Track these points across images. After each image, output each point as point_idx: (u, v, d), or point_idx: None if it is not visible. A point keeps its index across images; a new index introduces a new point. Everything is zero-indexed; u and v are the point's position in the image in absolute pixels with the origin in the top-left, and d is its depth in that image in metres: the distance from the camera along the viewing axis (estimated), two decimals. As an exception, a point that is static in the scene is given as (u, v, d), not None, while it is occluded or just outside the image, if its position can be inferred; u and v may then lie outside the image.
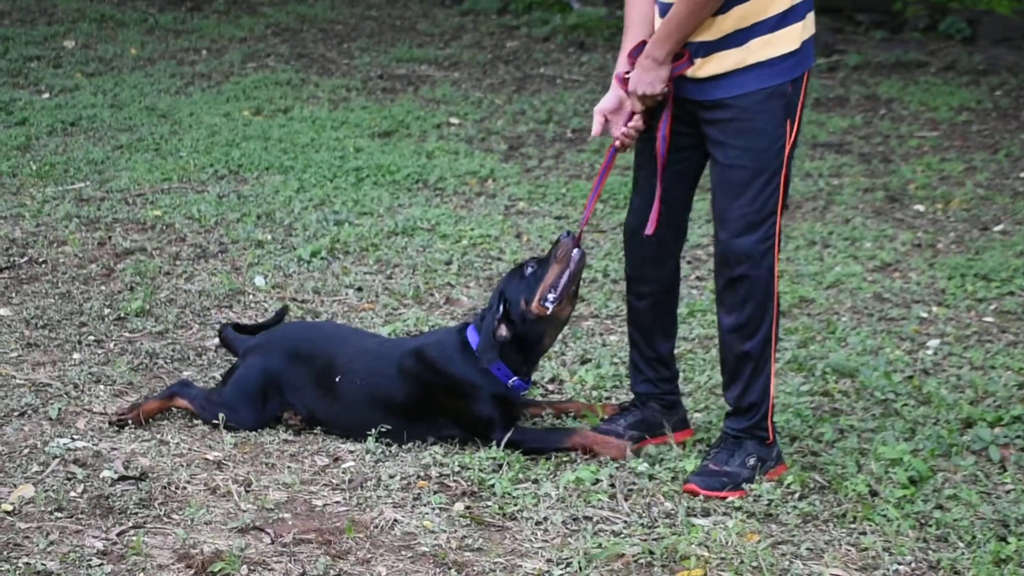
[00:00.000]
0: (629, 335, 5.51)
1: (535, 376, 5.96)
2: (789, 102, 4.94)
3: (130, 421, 5.40)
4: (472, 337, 5.39)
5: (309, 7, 15.74)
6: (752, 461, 5.13)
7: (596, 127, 5.24)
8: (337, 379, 5.46)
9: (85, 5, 14.91)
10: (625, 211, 8.38)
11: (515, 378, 5.33)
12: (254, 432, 5.43)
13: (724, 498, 4.99)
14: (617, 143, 5.21)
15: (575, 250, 5.30)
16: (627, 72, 5.07)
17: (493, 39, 14.48)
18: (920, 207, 8.94)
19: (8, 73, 11.81)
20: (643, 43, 5.03)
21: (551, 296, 5.27)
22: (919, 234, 8.33)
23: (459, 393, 5.35)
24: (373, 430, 5.33)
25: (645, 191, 5.24)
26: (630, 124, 5.14)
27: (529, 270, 5.35)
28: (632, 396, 5.61)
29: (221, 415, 5.40)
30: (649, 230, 5.18)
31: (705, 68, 4.96)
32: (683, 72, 4.99)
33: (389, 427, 5.35)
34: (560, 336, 6.34)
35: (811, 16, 5.01)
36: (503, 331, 5.30)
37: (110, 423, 5.41)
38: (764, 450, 5.19)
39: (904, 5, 15.40)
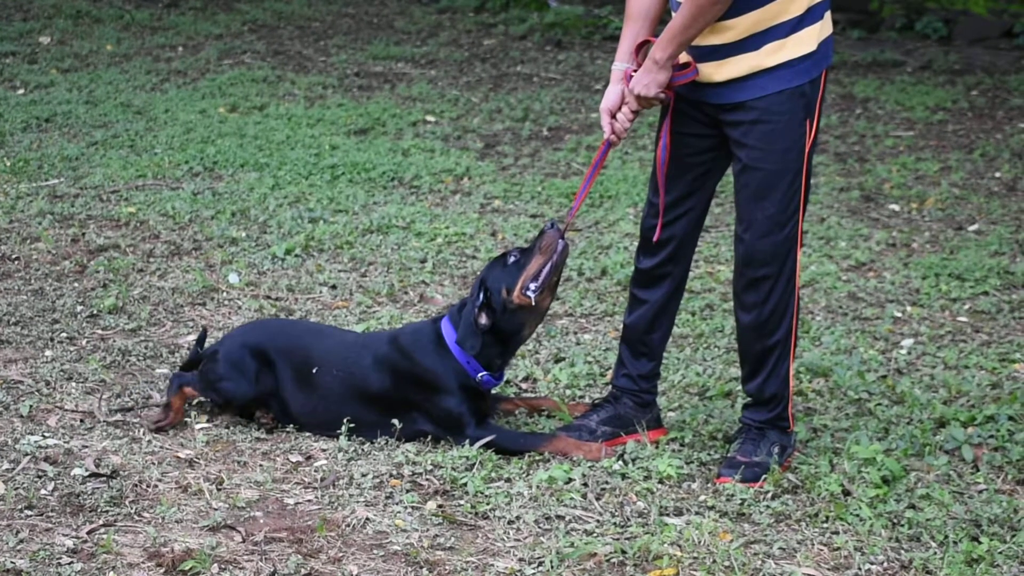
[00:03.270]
0: (624, 327, 5.50)
1: (508, 374, 5.95)
2: (808, 102, 4.98)
3: (169, 425, 5.37)
4: (446, 329, 5.39)
5: (286, 4, 15.69)
6: (776, 450, 5.20)
7: (606, 128, 5.22)
8: (314, 370, 5.46)
9: (61, 1, 14.85)
10: (602, 210, 8.45)
11: (484, 373, 5.33)
12: (227, 428, 5.41)
13: (761, 487, 5.05)
14: (613, 137, 5.21)
15: (559, 241, 5.30)
16: (634, 69, 5.07)
17: (470, 37, 14.46)
18: (895, 206, 8.95)
19: (-18, 69, 11.78)
20: (648, 42, 5.04)
21: (533, 285, 5.27)
22: (894, 233, 8.34)
23: (427, 384, 5.36)
24: (346, 425, 5.32)
25: (674, 193, 5.25)
26: (618, 117, 5.15)
27: (512, 259, 5.36)
28: (605, 392, 5.62)
29: (217, 388, 5.43)
30: (655, 237, 5.23)
31: (721, 72, 4.98)
32: (684, 83, 5.01)
33: (364, 420, 5.36)
34: (535, 334, 6.36)
35: (828, 15, 5.02)
36: (483, 319, 5.30)
37: (152, 431, 5.34)
38: (785, 438, 5.28)
39: (880, 5, 15.41)
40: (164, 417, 5.39)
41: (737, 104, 5.01)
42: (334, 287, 7.03)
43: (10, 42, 12.84)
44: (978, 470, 5.29)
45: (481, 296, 5.33)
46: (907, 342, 6.62)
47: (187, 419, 5.44)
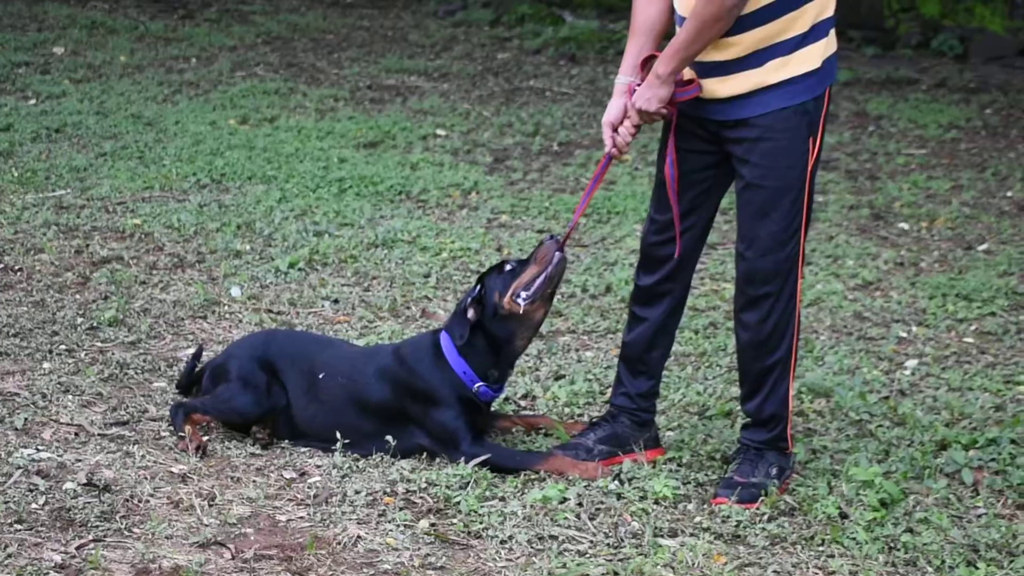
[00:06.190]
0: (623, 345, 5.46)
1: (508, 391, 5.91)
2: (811, 120, 4.96)
3: (201, 447, 5.29)
4: (444, 341, 5.37)
5: (301, 16, 15.72)
6: (774, 471, 5.16)
7: (608, 141, 5.19)
8: (320, 376, 5.46)
9: (76, 12, 14.90)
10: (608, 226, 8.41)
11: (481, 384, 5.31)
12: (222, 443, 5.38)
13: (758, 509, 5.00)
14: (614, 151, 5.19)
15: (556, 253, 5.27)
16: (638, 83, 5.04)
17: (484, 51, 14.45)
18: (905, 225, 8.90)
19: (-5, 79, 11.79)
20: (654, 56, 5.01)
21: (524, 294, 5.26)
22: (902, 252, 8.29)
23: (424, 395, 5.34)
24: (341, 441, 5.29)
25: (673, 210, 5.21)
26: (620, 131, 5.12)
27: (508, 267, 5.36)
28: (605, 410, 5.58)
29: (233, 407, 5.42)
30: (676, 252, 5.18)
31: (724, 88, 4.95)
32: (686, 99, 4.98)
33: (364, 431, 5.35)
34: (535, 351, 6.33)
35: (833, 33, 5.00)
36: (471, 312, 5.30)
37: (199, 457, 5.26)
38: (784, 459, 5.23)
39: (896, 22, 15.38)
40: (188, 446, 5.32)
41: (740, 121, 4.98)
42: (336, 301, 7.00)
43: (24, 52, 12.85)
44: (978, 494, 5.23)
45: (477, 290, 5.35)
46: (911, 363, 6.57)
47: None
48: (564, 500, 5.01)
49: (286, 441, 5.45)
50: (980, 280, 7.69)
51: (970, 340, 6.93)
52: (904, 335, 6.94)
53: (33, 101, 11.06)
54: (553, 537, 4.77)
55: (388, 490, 5.06)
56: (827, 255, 8.15)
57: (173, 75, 12.36)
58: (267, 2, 16.59)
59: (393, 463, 5.27)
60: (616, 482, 5.16)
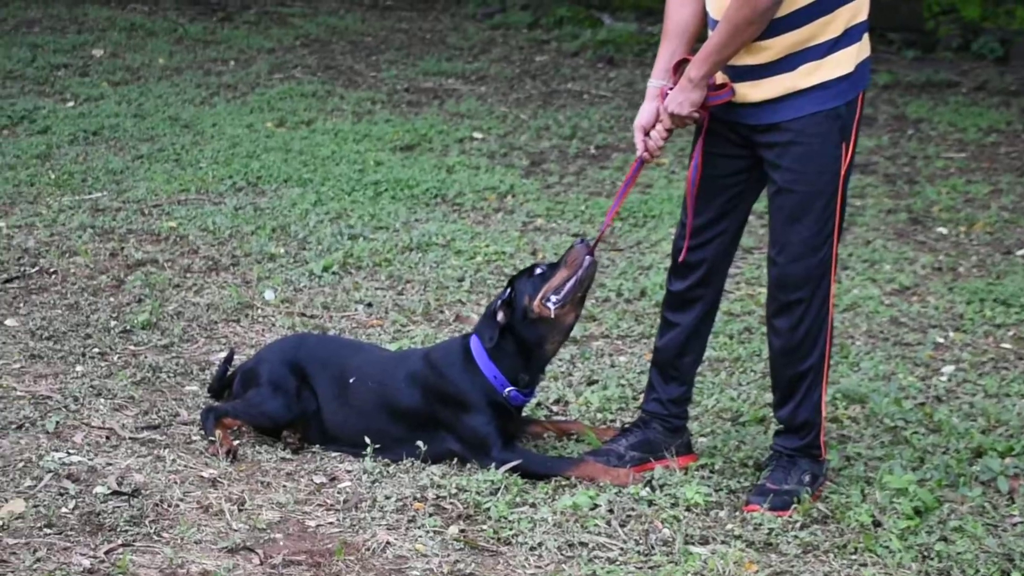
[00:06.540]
0: (655, 351, 5.44)
1: (540, 397, 5.89)
2: (844, 124, 4.91)
3: (231, 451, 5.29)
4: (474, 345, 5.35)
5: (340, 19, 15.71)
6: (807, 478, 5.12)
7: (639, 145, 5.17)
8: (351, 381, 5.45)
9: (116, 14, 14.93)
10: (644, 230, 8.37)
11: (511, 388, 5.28)
12: (252, 448, 5.37)
13: (790, 516, 4.96)
14: (646, 155, 5.17)
15: (586, 257, 5.24)
16: (670, 87, 5.02)
17: (522, 53, 14.42)
18: (943, 229, 8.82)
19: (34, 81, 11.81)
20: (687, 60, 4.98)
21: (554, 298, 5.24)
22: (940, 257, 8.22)
23: (455, 400, 5.32)
24: (373, 443, 5.27)
25: (706, 214, 5.19)
26: (652, 135, 5.10)
27: (539, 270, 5.34)
28: (637, 416, 5.55)
29: (263, 411, 5.41)
30: (680, 257, 5.16)
31: (756, 92, 4.92)
32: (719, 103, 4.95)
33: (394, 436, 5.33)
34: (567, 356, 6.30)
35: (867, 37, 4.96)
36: (500, 314, 5.29)
37: (229, 462, 5.28)
38: (817, 466, 5.19)
39: (936, 24, 15.27)
40: (218, 451, 5.31)
41: (772, 125, 4.95)
42: (370, 305, 6.99)
43: (63, 54, 12.89)
44: (1013, 502, 5.18)
45: (507, 292, 5.33)
46: (948, 369, 6.51)
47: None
48: (595, 506, 4.98)
49: (316, 446, 5.44)
50: (1018, 285, 7.62)
51: (1008, 346, 6.86)
52: (941, 341, 6.88)
53: (71, 103, 11.10)
54: (583, 544, 4.75)
55: (418, 496, 5.04)
56: (864, 259, 8.10)
57: (211, 77, 12.37)
58: (306, 4, 16.61)
59: (423, 468, 5.25)
60: (647, 489, 5.13)
